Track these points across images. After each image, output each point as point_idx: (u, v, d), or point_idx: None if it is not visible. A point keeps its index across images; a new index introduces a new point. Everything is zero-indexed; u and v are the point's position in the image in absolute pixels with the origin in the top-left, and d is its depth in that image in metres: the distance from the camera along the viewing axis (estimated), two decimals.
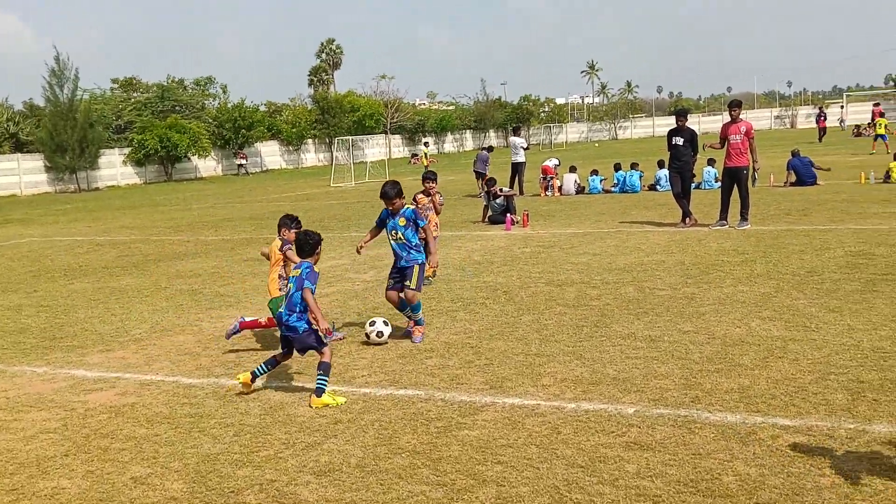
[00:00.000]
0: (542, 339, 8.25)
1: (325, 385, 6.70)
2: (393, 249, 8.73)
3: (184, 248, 17.87)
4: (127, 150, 54.94)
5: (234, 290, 12.21)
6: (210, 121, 61.36)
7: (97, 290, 12.93)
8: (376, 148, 71.98)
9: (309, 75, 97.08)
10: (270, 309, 8.40)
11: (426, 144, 47.03)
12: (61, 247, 19.58)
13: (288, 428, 6.16)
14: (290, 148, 67.88)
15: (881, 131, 36.27)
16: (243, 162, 59.68)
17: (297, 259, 7.39)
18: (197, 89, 68.38)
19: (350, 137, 55.60)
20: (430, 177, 11.75)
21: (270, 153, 66.45)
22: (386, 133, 75.39)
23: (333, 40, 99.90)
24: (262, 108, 69.58)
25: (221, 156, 61.79)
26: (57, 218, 29.38)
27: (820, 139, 42.41)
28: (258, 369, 7.11)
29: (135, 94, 64.42)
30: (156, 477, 5.42)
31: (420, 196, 11.64)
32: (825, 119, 41.91)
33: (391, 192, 8.60)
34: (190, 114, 61.31)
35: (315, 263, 7.23)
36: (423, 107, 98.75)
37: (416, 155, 56.53)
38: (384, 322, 8.47)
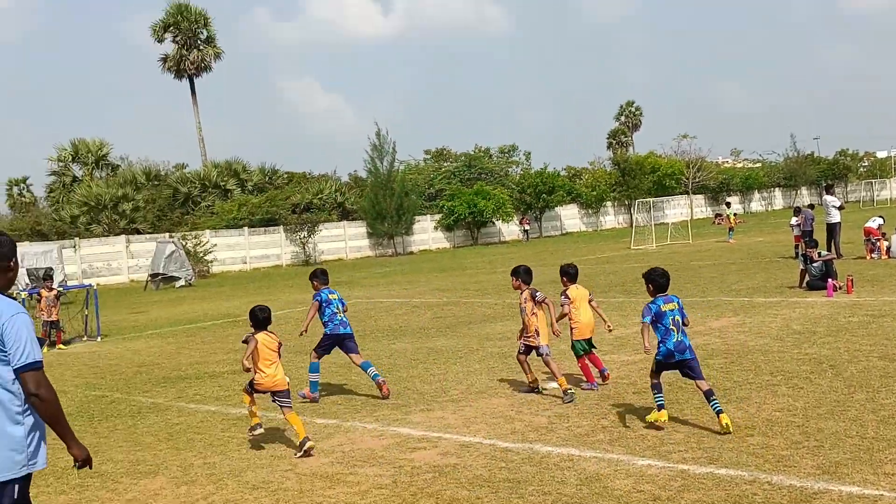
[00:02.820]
0: (880, 421, 7.51)
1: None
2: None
3: (491, 310, 18.55)
4: (437, 217, 58.55)
5: None
6: (513, 186, 63.67)
7: (416, 350, 13.77)
8: (677, 209, 70.60)
9: (608, 138, 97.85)
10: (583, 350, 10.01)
11: (727, 205, 45.14)
12: (382, 308, 21.14)
13: (606, 501, 6.10)
14: (590, 211, 68.51)
15: None
16: (527, 228, 61.32)
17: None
18: (501, 157, 71.46)
19: (650, 199, 54.99)
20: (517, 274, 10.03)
21: (570, 216, 67.48)
22: (688, 193, 73.69)
23: (633, 102, 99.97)
24: (563, 173, 71.02)
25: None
26: (377, 280, 31.81)
27: None
28: (660, 400, 7.98)
29: (445, 164, 68.69)
30: None
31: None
32: None
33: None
34: (494, 180, 64.04)
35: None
36: (727, 165, 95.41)
37: (720, 215, 54.52)
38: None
